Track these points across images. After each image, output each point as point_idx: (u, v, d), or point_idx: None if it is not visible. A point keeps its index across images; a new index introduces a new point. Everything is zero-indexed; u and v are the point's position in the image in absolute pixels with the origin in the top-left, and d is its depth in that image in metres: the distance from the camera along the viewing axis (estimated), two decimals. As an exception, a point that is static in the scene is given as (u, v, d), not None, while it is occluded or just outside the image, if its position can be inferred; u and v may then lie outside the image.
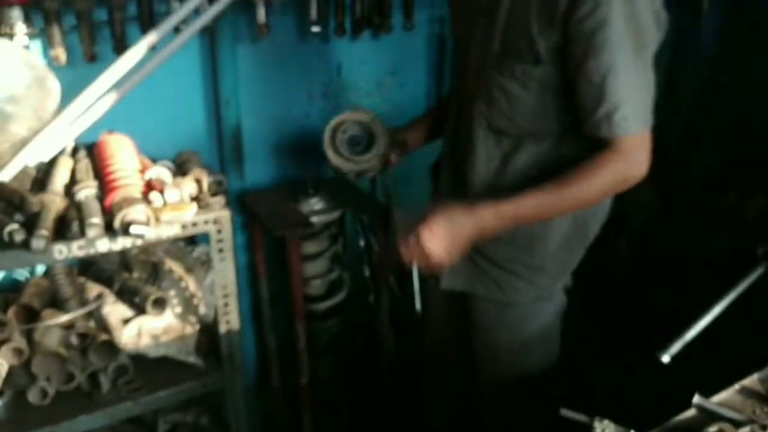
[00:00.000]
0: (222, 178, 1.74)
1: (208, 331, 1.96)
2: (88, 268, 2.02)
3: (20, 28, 1.71)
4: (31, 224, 1.49)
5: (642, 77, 1.33)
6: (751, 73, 2.26)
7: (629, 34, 1.28)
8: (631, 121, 1.32)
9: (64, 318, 1.74)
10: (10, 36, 1.69)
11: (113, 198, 1.54)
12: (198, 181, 1.69)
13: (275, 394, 2.37)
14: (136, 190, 1.58)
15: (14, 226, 1.48)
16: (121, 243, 1.57)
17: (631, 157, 1.35)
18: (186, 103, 2.14)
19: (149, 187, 1.64)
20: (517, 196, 1.40)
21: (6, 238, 1.47)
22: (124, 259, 2.00)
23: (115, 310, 1.85)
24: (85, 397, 1.80)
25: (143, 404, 1.82)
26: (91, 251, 1.55)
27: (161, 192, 1.60)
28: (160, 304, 1.84)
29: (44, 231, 1.47)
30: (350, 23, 2.25)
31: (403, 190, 2.32)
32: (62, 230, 1.53)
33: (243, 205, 2.20)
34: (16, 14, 1.71)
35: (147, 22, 1.89)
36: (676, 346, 1.43)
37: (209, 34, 2.08)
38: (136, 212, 1.50)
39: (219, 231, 1.70)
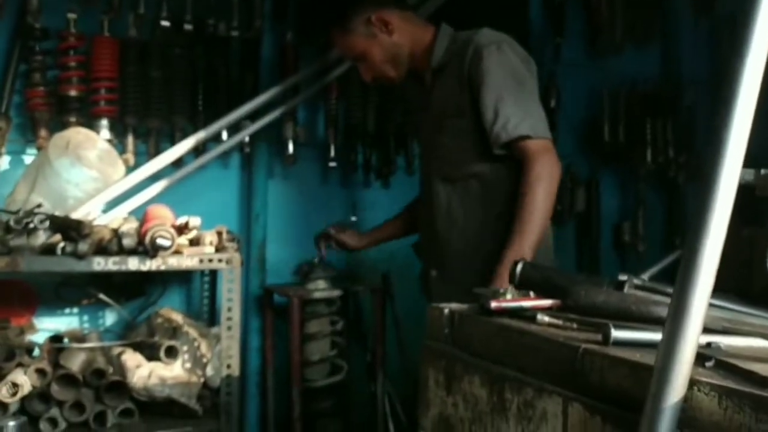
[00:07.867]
0: (238, 236, 2.11)
1: (212, 394, 2.14)
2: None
3: (104, 133, 2.30)
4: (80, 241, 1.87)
5: (525, 102, 1.74)
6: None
7: (506, 75, 1.74)
8: (522, 127, 1.69)
9: (87, 345, 1.99)
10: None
11: (148, 226, 1.92)
12: (219, 233, 2.07)
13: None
14: (168, 223, 1.97)
15: (66, 242, 1.87)
16: (149, 264, 1.91)
17: (542, 158, 1.68)
18: (223, 216, 2.59)
19: (180, 229, 2.02)
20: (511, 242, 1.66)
21: (59, 251, 1.86)
22: (150, 327, 2.27)
23: (132, 358, 2.08)
24: (90, 432, 1.95)
25: (141, 440, 1.95)
26: (123, 267, 1.89)
27: (188, 229, 1.97)
28: (172, 353, 2.07)
29: (89, 241, 1.84)
30: (362, 165, 2.77)
31: (394, 265, 2.61)
32: (103, 249, 1.90)
33: (260, 297, 2.50)
34: (103, 123, 2.31)
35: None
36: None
37: (248, 166, 2.63)
38: (163, 230, 1.87)
39: (230, 271, 2.01)
